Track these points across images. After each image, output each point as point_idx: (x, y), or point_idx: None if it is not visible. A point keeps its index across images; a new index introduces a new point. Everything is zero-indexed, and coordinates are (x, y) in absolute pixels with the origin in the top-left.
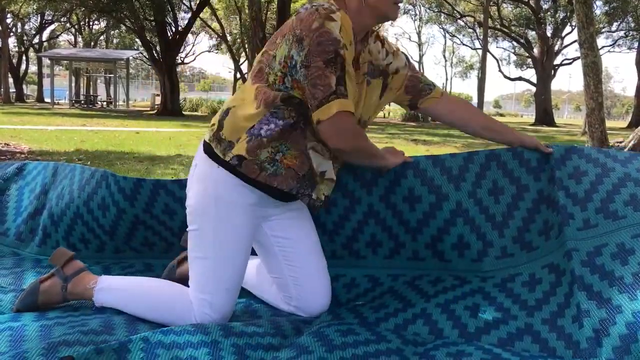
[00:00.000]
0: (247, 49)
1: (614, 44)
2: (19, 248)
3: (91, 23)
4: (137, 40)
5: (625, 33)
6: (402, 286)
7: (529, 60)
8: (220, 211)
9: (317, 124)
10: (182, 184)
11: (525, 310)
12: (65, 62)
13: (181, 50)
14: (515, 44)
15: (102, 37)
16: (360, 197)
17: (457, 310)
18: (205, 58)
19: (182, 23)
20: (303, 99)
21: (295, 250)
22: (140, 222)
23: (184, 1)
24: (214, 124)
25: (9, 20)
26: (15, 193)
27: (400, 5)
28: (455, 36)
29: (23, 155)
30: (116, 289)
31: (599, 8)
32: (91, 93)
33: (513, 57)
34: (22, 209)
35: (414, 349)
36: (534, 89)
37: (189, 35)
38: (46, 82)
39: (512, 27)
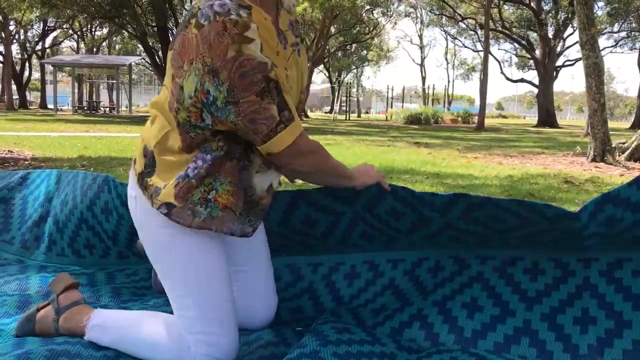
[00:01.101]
0: None
1: (616, 44)
2: (24, 256)
3: (93, 29)
4: (139, 46)
5: (627, 34)
6: (403, 278)
7: (531, 61)
8: (180, 247)
9: (269, 156)
10: None
11: (524, 303)
12: (68, 68)
13: None
14: (516, 45)
15: (104, 44)
16: (344, 211)
17: (454, 310)
18: None
19: None
20: (232, 129)
21: (251, 254)
22: None
23: (185, 7)
24: (136, 164)
25: (11, 28)
26: (19, 202)
27: None
28: (457, 38)
29: (27, 162)
30: (111, 327)
31: (600, 9)
32: (94, 99)
33: (515, 59)
34: (26, 217)
35: (407, 355)
36: (536, 90)
37: None
38: (49, 88)
39: (514, 29)
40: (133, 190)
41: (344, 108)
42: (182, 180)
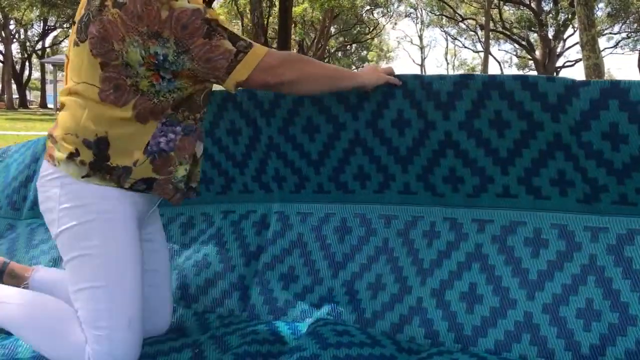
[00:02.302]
0: None
1: (616, 45)
2: (14, 218)
3: None
4: None
5: (627, 35)
6: (396, 240)
7: (531, 62)
8: (106, 230)
9: (242, 86)
10: None
11: (525, 290)
12: None
13: None
14: (516, 46)
15: None
16: (345, 122)
17: (452, 304)
18: None
19: None
20: (192, 86)
21: (158, 256)
22: None
23: None
24: (76, 158)
25: (11, 27)
26: (2, 170)
27: None
28: (457, 39)
29: None
30: (2, 303)
31: (600, 10)
32: None
33: (515, 60)
34: (10, 179)
35: (407, 356)
36: None
37: None
38: (49, 88)
39: (514, 30)
40: (49, 175)
41: None
42: (157, 155)
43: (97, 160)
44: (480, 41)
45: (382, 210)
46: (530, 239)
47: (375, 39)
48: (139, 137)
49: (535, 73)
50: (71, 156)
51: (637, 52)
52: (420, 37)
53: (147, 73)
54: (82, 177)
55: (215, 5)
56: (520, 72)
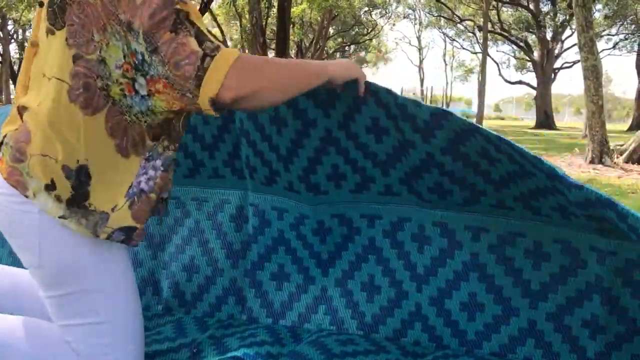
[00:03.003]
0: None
1: (614, 46)
2: None
3: None
4: None
5: (625, 36)
6: (383, 241)
7: (529, 63)
8: (99, 263)
9: (215, 102)
10: None
11: (528, 299)
12: None
13: None
14: (515, 47)
15: None
16: (316, 119)
17: (452, 313)
18: None
19: None
20: (169, 106)
21: None
22: None
23: None
24: (52, 192)
25: (10, 27)
26: None
27: None
28: (455, 40)
29: None
30: None
31: (598, 11)
32: None
33: (513, 61)
34: None
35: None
36: (534, 92)
37: None
38: None
39: (512, 31)
40: (28, 205)
41: None
42: (137, 198)
43: (74, 197)
44: (478, 42)
45: (364, 211)
46: (530, 251)
47: (374, 40)
48: (122, 173)
49: (533, 74)
50: (47, 188)
51: (635, 53)
52: (419, 39)
53: (122, 79)
54: (59, 217)
55: (213, 6)
56: (519, 73)
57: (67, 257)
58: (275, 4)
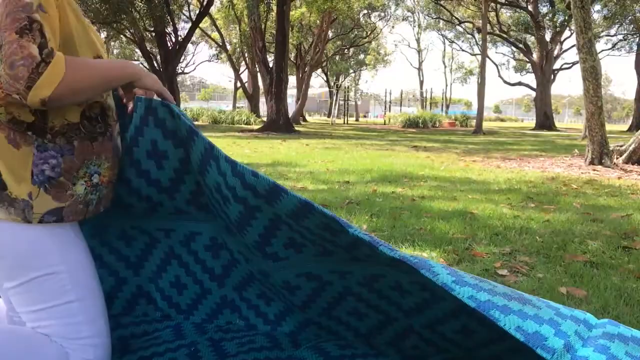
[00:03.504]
0: (246, 58)
1: (613, 47)
2: None
3: None
4: (137, 50)
5: (624, 36)
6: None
7: (529, 65)
8: (54, 245)
9: (46, 104)
10: None
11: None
12: None
13: (181, 60)
14: (514, 49)
15: None
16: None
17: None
18: (206, 67)
19: (182, 33)
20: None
21: None
22: None
23: (183, 11)
24: None
25: None
26: None
27: None
28: (454, 42)
29: None
30: None
31: (597, 12)
32: None
33: (512, 62)
34: None
35: None
36: (533, 93)
37: (189, 45)
38: None
39: (511, 33)
40: None
41: (342, 112)
42: (48, 185)
43: None
44: (477, 44)
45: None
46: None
47: (373, 43)
48: (20, 163)
49: (532, 76)
50: None
51: (634, 53)
52: (418, 41)
53: None
54: None
55: (212, 10)
56: (518, 75)
57: (19, 245)
58: (274, 7)
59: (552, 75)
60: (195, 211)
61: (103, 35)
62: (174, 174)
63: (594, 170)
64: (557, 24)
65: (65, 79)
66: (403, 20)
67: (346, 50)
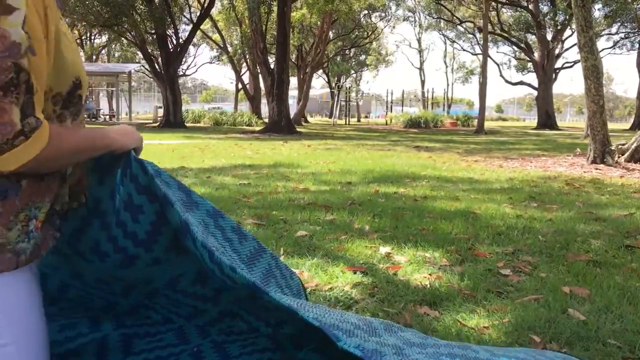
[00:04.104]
0: (247, 60)
1: (614, 45)
2: None
3: (93, 37)
4: (138, 53)
5: (625, 35)
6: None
7: (530, 64)
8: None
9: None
10: None
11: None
12: None
13: (183, 62)
14: (515, 48)
15: (103, 51)
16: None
17: None
18: (207, 69)
19: (183, 35)
20: None
21: None
22: None
23: (184, 14)
24: None
25: None
26: None
27: None
28: (456, 42)
29: None
30: None
31: (598, 11)
32: (94, 107)
33: (514, 62)
34: None
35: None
36: (535, 92)
37: (190, 47)
38: None
39: (512, 32)
40: None
41: (343, 113)
42: None
43: None
44: (478, 44)
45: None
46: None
47: (374, 43)
48: None
49: (534, 75)
50: None
51: (635, 51)
52: (419, 41)
53: None
54: None
55: (213, 11)
56: (520, 74)
57: None
58: (275, 9)
59: (554, 74)
60: (175, 257)
61: (104, 38)
62: (149, 227)
63: (596, 169)
64: (558, 23)
65: (38, 157)
66: (404, 20)
67: (347, 50)
